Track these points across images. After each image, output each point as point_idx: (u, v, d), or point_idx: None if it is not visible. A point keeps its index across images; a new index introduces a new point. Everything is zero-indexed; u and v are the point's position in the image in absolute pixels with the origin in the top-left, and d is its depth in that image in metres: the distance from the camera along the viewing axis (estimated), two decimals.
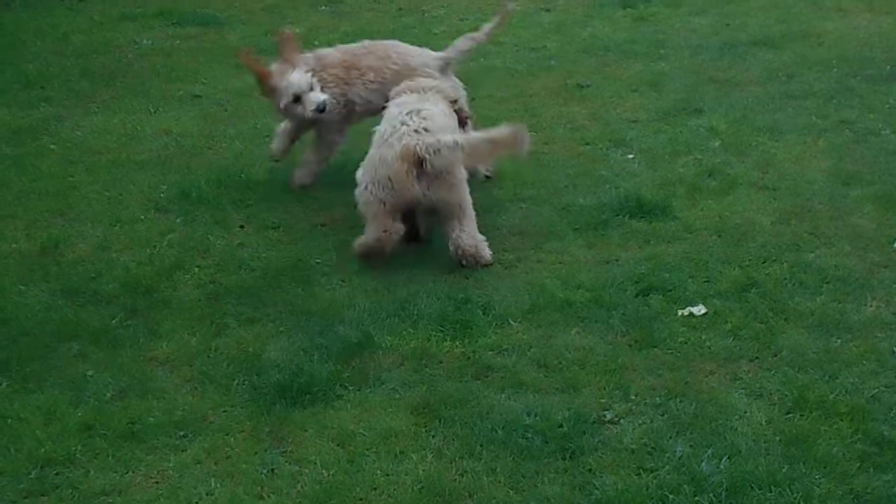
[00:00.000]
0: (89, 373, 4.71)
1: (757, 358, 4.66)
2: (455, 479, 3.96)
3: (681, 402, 4.39)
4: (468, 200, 5.43)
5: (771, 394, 4.40)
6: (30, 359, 4.80)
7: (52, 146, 6.89)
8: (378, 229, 5.38)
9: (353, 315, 5.03)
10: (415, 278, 5.34)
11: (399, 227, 5.41)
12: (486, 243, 5.46)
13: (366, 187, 5.39)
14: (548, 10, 9.00)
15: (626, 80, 7.48)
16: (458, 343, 4.82)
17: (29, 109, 7.43)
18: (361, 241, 5.46)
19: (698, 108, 6.93)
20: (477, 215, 5.46)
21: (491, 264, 5.41)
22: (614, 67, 7.71)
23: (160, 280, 5.38)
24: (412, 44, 8.13)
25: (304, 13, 9.17)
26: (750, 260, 5.34)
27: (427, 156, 5.21)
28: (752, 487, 3.83)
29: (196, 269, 5.47)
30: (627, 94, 7.26)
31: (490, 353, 4.76)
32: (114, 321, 5.07)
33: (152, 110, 7.36)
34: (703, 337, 4.80)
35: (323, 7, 9.27)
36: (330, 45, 8.27)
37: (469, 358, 4.73)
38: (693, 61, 7.72)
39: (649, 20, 8.61)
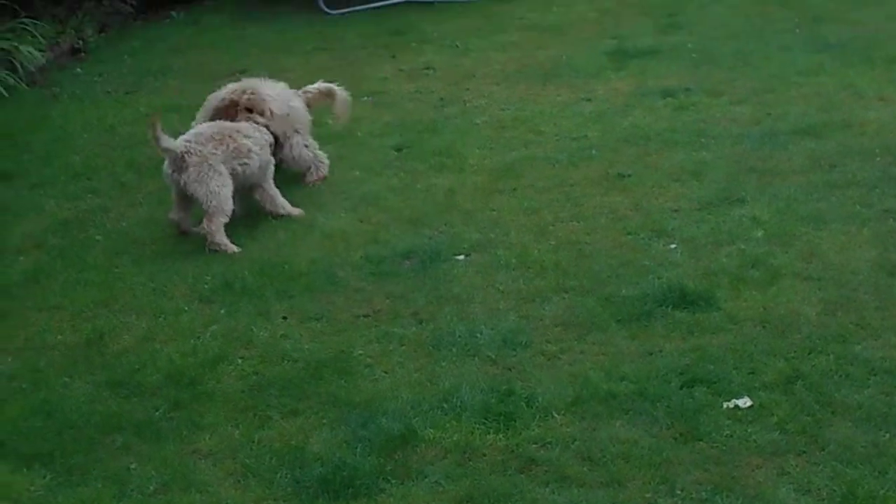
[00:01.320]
0: (133, 465, 4.72)
1: (804, 452, 4.60)
2: None
3: (727, 497, 4.35)
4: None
5: (819, 489, 4.35)
6: (74, 451, 4.83)
7: (97, 237, 6.96)
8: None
9: (395, 407, 5.02)
10: (458, 369, 5.34)
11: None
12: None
13: None
14: (589, 100, 9.03)
15: (668, 169, 7.48)
16: (501, 436, 4.80)
17: (75, 200, 7.53)
18: None
19: (740, 198, 6.91)
20: (511, 304, 5.46)
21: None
22: (655, 157, 7.72)
23: (203, 371, 5.41)
24: (455, 134, 8.26)
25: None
26: (795, 352, 5.29)
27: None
28: None
29: (239, 361, 5.49)
30: (669, 183, 7.26)
31: (534, 446, 4.73)
32: (157, 413, 5.09)
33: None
34: (749, 430, 4.75)
35: (365, 98, 9.35)
36: (372, 135, 8.44)
37: (513, 451, 4.71)
38: (734, 150, 7.72)
39: (690, 109, 8.63)
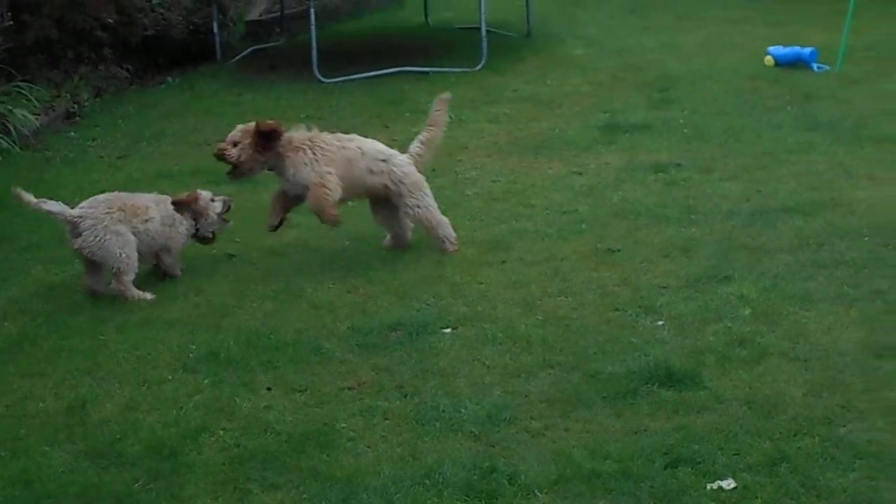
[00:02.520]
0: None
1: None
2: None
3: None
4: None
5: None
6: None
7: (84, 304, 6.94)
8: None
9: (377, 483, 4.98)
10: (441, 445, 5.29)
11: None
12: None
13: None
14: (580, 174, 9.07)
15: (657, 245, 7.49)
16: None
17: (63, 265, 7.51)
18: None
19: (728, 276, 6.91)
20: (496, 378, 5.43)
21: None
22: (645, 232, 7.73)
23: (185, 442, 5.36)
24: (445, 205, 8.27)
25: None
26: (780, 433, 5.26)
27: None
28: None
29: (221, 432, 5.45)
30: (658, 259, 7.27)
31: None
32: (136, 485, 5.04)
33: (185, 268, 7.42)
34: None
35: None
36: (362, 204, 8.44)
37: None
38: (724, 227, 7.74)
39: (680, 185, 8.66)
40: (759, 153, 9.36)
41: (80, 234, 6.95)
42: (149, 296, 6.98)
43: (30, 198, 6.92)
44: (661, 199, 8.39)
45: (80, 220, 6.96)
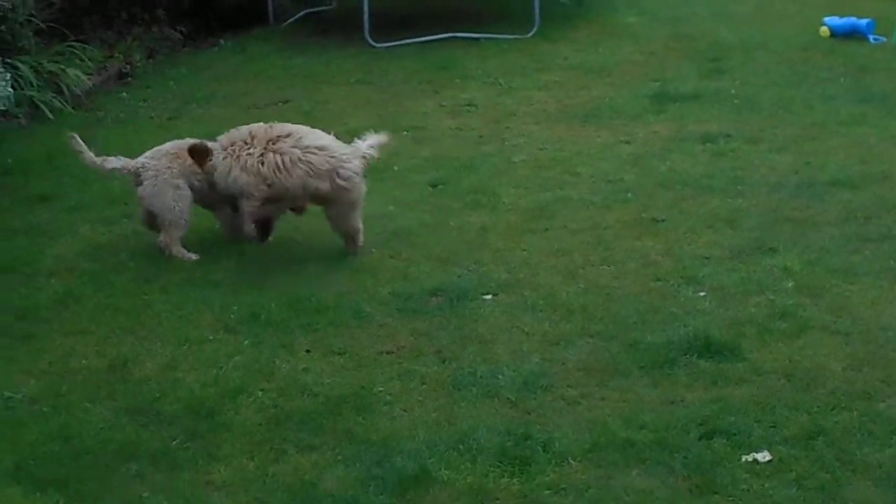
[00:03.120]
0: (145, 494, 4.73)
1: None
2: None
3: None
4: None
5: None
6: (88, 478, 4.85)
7: (129, 263, 7.00)
8: None
9: (411, 446, 5.01)
10: (477, 410, 5.32)
11: None
12: None
13: None
14: (627, 143, 9.01)
15: (702, 215, 7.44)
16: (515, 480, 4.77)
17: (110, 225, 7.58)
18: None
19: (773, 248, 6.87)
20: (534, 346, 5.44)
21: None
22: (690, 202, 7.68)
23: (223, 402, 5.41)
24: (491, 172, 8.28)
25: None
26: (818, 406, 5.24)
27: None
28: None
29: (259, 393, 5.49)
30: (702, 229, 7.22)
31: (547, 492, 4.70)
32: (174, 443, 5.10)
33: None
34: (767, 485, 4.70)
35: (405, 132, 9.38)
36: (409, 170, 8.46)
37: (526, 496, 4.68)
38: (770, 199, 7.67)
39: (728, 156, 8.59)
40: (810, 125, 9.26)
41: (140, 184, 7.05)
42: (193, 256, 7.03)
43: (89, 155, 7.05)
44: (708, 169, 8.33)
45: (142, 169, 7.04)
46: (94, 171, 8.39)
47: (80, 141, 7.07)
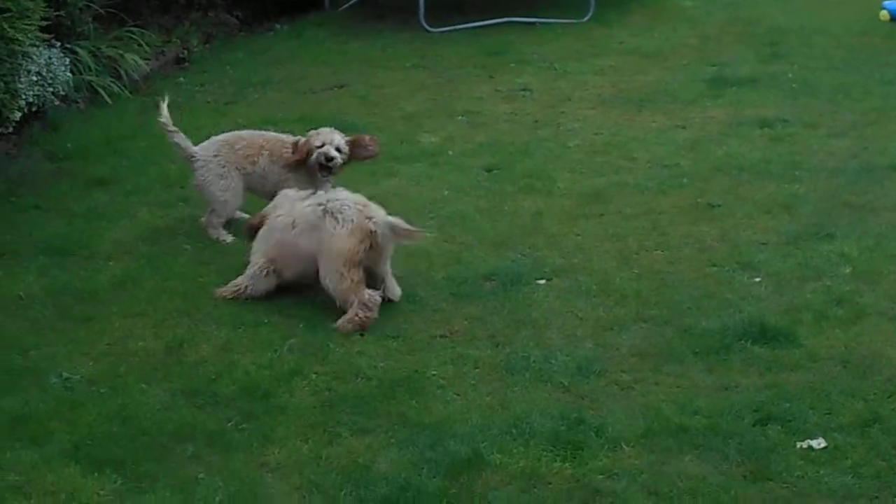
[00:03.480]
0: (201, 475, 4.78)
1: (877, 497, 4.53)
2: None
3: None
4: None
5: None
6: (145, 458, 4.90)
7: (186, 246, 7.05)
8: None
9: (464, 430, 5.03)
10: (530, 395, 5.33)
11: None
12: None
13: None
14: (683, 128, 8.96)
15: (759, 201, 7.40)
16: (568, 465, 4.78)
17: (168, 209, 7.64)
18: None
19: (830, 233, 6.81)
20: (588, 331, 5.45)
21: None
22: (747, 187, 7.63)
23: (278, 385, 5.45)
24: (546, 157, 8.26)
25: (440, 122, 9.28)
26: (875, 394, 5.20)
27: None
28: None
29: (314, 376, 5.53)
30: (759, 215, 7.18)
31: (600, 476, 4.71)
32: (229, 424, 5.15)
33: None
34: (821, 472, 4.68)
35: (460, 117, 9.39)
36: (464, 154, 8.46)
37: (578, 481, 4.69)
38: (828, 184, 7.61)
39: (786, 140, 8.52)
40: (869, 109, 9.17)
41: (195, 171, 7.20)
42: (228, 238, 7.12)
43: (167, 121, 7.19)
44: (765, 154, 8.27)
45: (193, 159, 7.18)
46: (151, 155, 8.53)
47: (165, 106, 7.21)
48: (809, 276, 6.35)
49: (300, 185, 6.91)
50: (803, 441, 4.88)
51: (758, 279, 6.35)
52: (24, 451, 4.95)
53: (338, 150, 7.06)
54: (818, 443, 4.86)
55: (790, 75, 10.23)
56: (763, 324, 5.76)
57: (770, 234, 6.90)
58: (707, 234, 6.96)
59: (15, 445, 5.00)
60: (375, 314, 5.99)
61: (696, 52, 11.30)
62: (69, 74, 9.18)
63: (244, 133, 7.48)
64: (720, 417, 5.05)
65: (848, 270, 6.37)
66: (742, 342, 5.67)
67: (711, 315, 5.97)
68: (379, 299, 6.05)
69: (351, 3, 13.58)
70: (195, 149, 7.24)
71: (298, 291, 6.36)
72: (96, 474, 4.79)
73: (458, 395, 5.36)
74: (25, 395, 5.39)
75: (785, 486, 4.62)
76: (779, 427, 4.97)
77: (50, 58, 8.85)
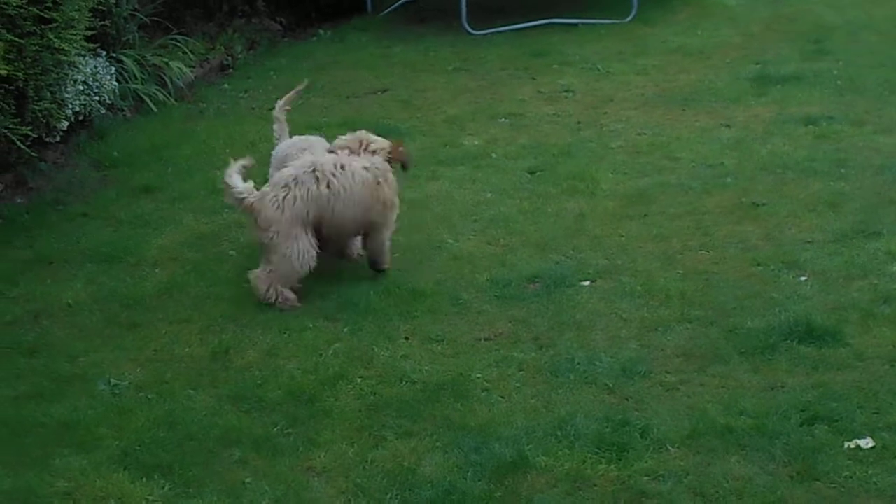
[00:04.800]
0: (248, 480, 4.82)
1: None
2: None
3: None
4: None
5: None
6: (193, 463, 4.94)
7: (231, 252, 7.10)
8: None
9: (509, 433, 5.03)
10: (575, 397, 5.33)
11: None
12: None
13: None
14: (728, 126, 8.92)
15: (804, 199, 7.35)
16: (613, 466, 4.77)
17: (213, 215, 7.69)
18: None
19: (877, 231, 6.76)
20: (632, 332, 5.43)
21: None
22: (792, 186, 7.58)
23: (323, 389, 5.48)
24: (589, 158, 8.24)
25: (483, 125, 9.29)
26: None
27: None
28: None
29: (359, 380, 5.55)
30: (804, 213, 7.13)
31: (645, 478, 4.70)
32: (275, 429, 5.18)
33: None
34: (870, 472, 4.64)
35: (502, 119, 9.39)
36: (507, 157, 8.46)
37: (624, 483, 4.68)
38: (875, 181, 7.55)
39: (831, 138, 8.46)
40: None
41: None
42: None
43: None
44: (810, 152, 8.22)
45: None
46: (196, 161, 8.60)
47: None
48: (856, 274, 6.30)
49: None
50: (851, 441, 4.84)
51: (803, 278, 6.31)
52: (73, 458, 5.01)
53: None
54: (866, 442, 4.83)
55: (835, 72, 10.15)
56: (809, 323, 5.72)
57: (815, 233, 6.86)
58: (752, 233, 6.92)
59: (64, 452, 5.06)
60: None
61: (739, 49, 11.24)
62: (115, 83, 9.28)
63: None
64: (766, 418, 5.02)
65: (895, 268, 6.31)
66: (788, 342, 5.64)
67: (757, 315, 5.94)
68: None
69: (393, 7, 13.62)
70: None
71: (343, 296, 6.38)
72: (144, 480, 4.84)
73: (502, 397, 5.36)
74: (74, 401, 5.46)
75: (832, 486, 4.59)
76: (826, 427, 4.94)
77: (96, 67, 8.95)
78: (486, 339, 5.90)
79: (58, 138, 8.48)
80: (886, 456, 4.75)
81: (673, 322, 5.94)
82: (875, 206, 7.16)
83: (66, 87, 8.25)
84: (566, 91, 10.18)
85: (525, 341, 5.85)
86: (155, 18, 10.77)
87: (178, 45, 10.84)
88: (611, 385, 5.38)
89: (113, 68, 9.33)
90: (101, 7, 9.08)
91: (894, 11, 12.30)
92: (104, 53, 9.34)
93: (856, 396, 5.16)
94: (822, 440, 4.86)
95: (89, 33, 8.36)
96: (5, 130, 7.49)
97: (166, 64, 10.35)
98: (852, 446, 4.81)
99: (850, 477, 4.63)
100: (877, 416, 5.02)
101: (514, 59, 11.35)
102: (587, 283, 6.43)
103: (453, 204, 7.64)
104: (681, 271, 6.49)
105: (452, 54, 11.68)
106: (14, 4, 7.23)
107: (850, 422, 4.97)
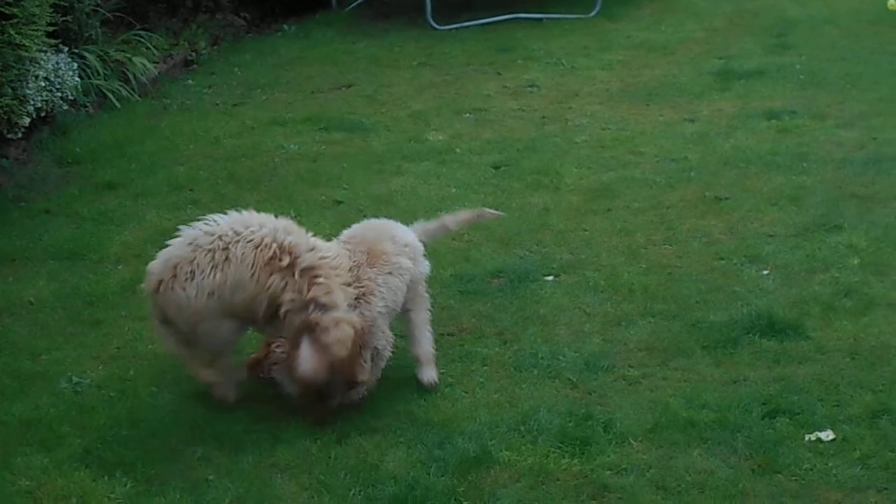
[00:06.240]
0: (210, 477, 4.81)
1: (886, 489, 4.53)
2: None
3: None
4: None
5: None
6: (156, 461, 4.93)
7: None
8: None
9: (472, 428, 5.04)
10: (538, 391, 5.34)
11: None
12: None
13: None
14: (691, 121, 8.95)
15: (766, 193, 7.39)
16: (576, 461, 4.79)
17: (176, 211, 7.64)
18: None
19: (838, 224, 6.81)
20: (596, 326, 5.45)
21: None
22: (754, 180, 7.63)
23: None
24: (554, 153, 8.23)
25: (447, 120, 9.29)
26: (884, 385, 5.20)
27: None
28: None
29: None
30: (766, 207, 7.17)
31: (608, 472, 4.72)
32: (239, 426, 5.16)
33: (294, 215, 7.42)
34: (830, 464, 4.68)
35: (467, 114, 9.40)
36: (471, 152, 8.45)
37: (586, 477, 4.70)
38: (836, 175, 7.60)
39: (793, 132, 8.51)
40: (877, 100, 9.15)
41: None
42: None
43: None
44: (773, 146, 8.26)
45: None
46: (159, 157, 8.55)
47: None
48: (817, 268, 6.34)
49: None
50: (812, 433, 4.88)
51: (765, 272, 6.35)
52: (35, 456, 4.98)
53: None
54: (827, 435, 4.86)
55: (798, 66, 10.21)
56: (771, 316, 5.76)
57: (778, 227, 6.90)
58: (715, 227, 6.95)
59: (25, 450, 5.03)
60: None
61: (703, 45, 11.29)
62: (77, 79, 9.22)
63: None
64: (728, 411, 5.05)
65: (856, 262, 6.36)
66: (750, 335, 5.67)
67: (719, 309, 5.97)
68: None
69: (358, 2, 13.59)
70: None
71: None
72: (107, 478, 4.82)
73: (465, 392, 5.37)
74: (35, 399, 5.43)
75: (794, 478, 4.62)
76: (787, 420, 4.98)
77: (58, 63, 8.89)
78: (450, 335, 5.90)
79: (19, 135, 8.41)
80: (846, 448, 4.78)
81: (636, 316, 5.96)
82: (836, 200, 7.21)
83: (27, 83, 8.19)
84: (531, 86, 10.19)
85: (489, 336, 5.86)
86: (117, 14, 10.70)
87: (142, 40, 10.77)
88: (574, 379, 5.40)
89: (75, 64, 9.27)
90: (62, 3, 9.01)
91: (856, 5, 12.37)
92: (66, 49, 9.28)
93: (817, 389, 5.20)
94: (783, 433, 4.89)
95: (51, 29, 8.31)
96: None
97: (129, 60, 10.28)
98: (813, 439, 4.85)
99: (811, 469, 4.67)
100: (837, 408, 5.06)
101: (479, 54, 11.35)
102: (551, 277, 6.45)
103: (418, 199, 7.64)
104: (644, 265, 6.52)
105: (417, 50, 11.67)
106: None
107: (810, 414, 5.01)
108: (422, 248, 5.61)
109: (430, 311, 5.60)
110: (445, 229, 5.91)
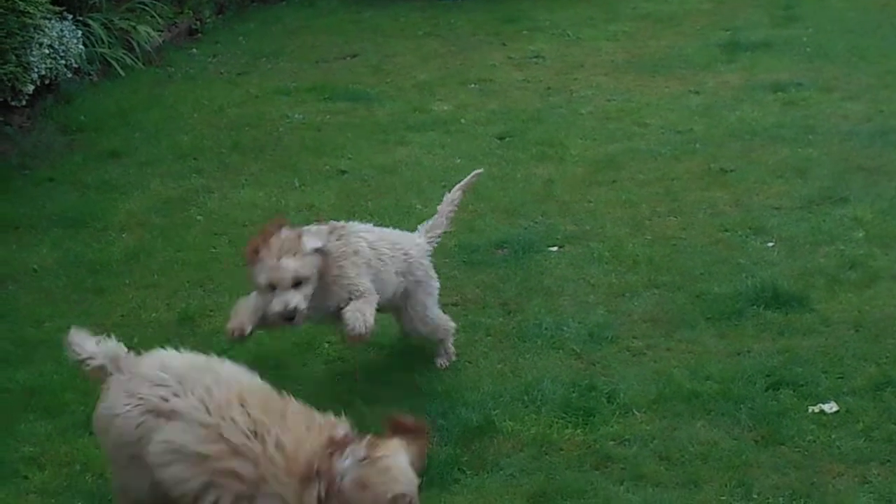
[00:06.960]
0: None
1: (888, 461, 4.52)
2: None
3: (805, 503, 4.28)
4: None
5: None
6: None
7: (198, 217, 7.06)
8: None
9: (476, 398, 5.04)
10: (542, 362, 5.34)
11: None
12: None
13: None
14: (697, 93, 8.93)
15: (772, 165, 7.37)
16: (579, 431, 4.79)
17: (180, 180, 7.64)
18: None
19: (844, 197, 6.79)
20: (600, 297, 5.43)
21: None
22: (760, 152, 7.60)
23: (291, 355, 5.48)
24: (559, 124, 8.19)
25: (452, 90, 9.26)
26: (887, 357, 5.19)
27: None
28: None
29: (326, 346, 5.55)
30: (772, 179, 7.16)
31: (611, 442, 4.72)
32: None
33: (298, 184, 7.49)
34: (833, 436, 4.68)
35: (472, 85, 9.37)
36: (476, 122, 8.43)
37: (590, 447, 4.70)
38: (842, 148, 7.57)
39: (800, 104, 8.48)
40: (884, 72, 9.12)
41: None
42: None
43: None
44: (779, 118, 8.24)
45: None
46: (163, 126, 8.52)
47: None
48: (822, 240, 6.33)
49: None
50: (815, 405, 4.87)
51: (770, 244, 6.33)
52: (39, 423, 4.99)
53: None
54: (830, 407, 4.86)
55: (805, 39, 10.17)
56: (776, 288, 5.75)
57: (783, 199, 6.88)
58: (720, 199, 6.94)
59: (29, 417, 5.04)
60: None
61: (709, 16, 11.25)
62: (82, 47, 9.19)
63: None
64: (732, 383, 5.05)
65: (861, 234, 6.35)
66: (754, 307, 5.66)
67: (724, 280, 5.96)
68: None
69: None
70: None
71: None
72: None
73: (469, 362, 5.37)
74: (39, 366, 5.42)
75: (797, 450, 4.62)
76: (791, 391, 4.97)
77: (62, 30, 8.85)
78: (454, 305, 5.89)
79: (24, 102, 8.39)
80: (850, 420, 4.78)
81: (640, 288, 5.95)
82: (842, 173, 7.19)
83: (31, 50, 8.16)
84: (536, 57, 10.16)
85: (493, 307, 5.85)
86: None
87: (146, 8, 10.73)
88: (578, 350, 5.39)
89: (79, 32, 9.23)
90: None
91: None
92: (70, 17, 9.24)
93: (821, 361, 5.19)
94: (786, 405, 4.89)
95: None
96: None
97: (134, 28, 10.25)
98: (816, 410, 4.85)
99: (814, 441, 4.66)
100: (841, 380, 5.05)
101: (485, 24, 11.31)
102: (555, 248, 6.44)
103: (422, 169, 7.62)
104: (649, 237, 6.50)
105: (423, 20, 11.63)
106: None
107: (814, 386, 5.00)
108: None
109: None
110: (448, 212, 5.78)
